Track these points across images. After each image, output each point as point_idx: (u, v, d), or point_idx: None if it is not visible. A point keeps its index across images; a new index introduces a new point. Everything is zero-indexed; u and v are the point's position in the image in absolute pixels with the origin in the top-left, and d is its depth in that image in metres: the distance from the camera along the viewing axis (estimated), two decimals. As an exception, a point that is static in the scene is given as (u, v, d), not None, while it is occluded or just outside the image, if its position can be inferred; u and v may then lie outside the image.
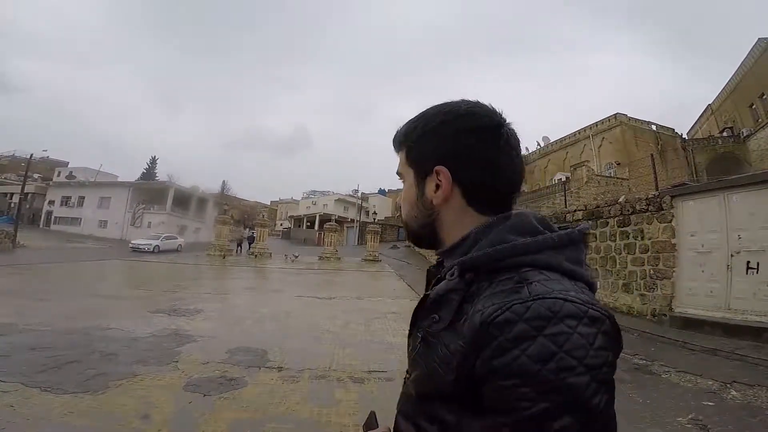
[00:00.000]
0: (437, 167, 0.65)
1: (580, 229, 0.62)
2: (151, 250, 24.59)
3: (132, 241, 25.89)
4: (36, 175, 45.58)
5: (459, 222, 0.66)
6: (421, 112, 0.70)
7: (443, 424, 0.57)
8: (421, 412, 0.62)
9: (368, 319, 7.31)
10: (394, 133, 0.74)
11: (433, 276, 0.72)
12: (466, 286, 0.58)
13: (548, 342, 0.47)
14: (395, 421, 0.70)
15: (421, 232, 0.70)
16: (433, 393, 0.58)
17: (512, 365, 0.47)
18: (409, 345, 0.71)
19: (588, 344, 0.48)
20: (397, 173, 0.73)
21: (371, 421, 0.82)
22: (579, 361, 0.47)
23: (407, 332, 0.72)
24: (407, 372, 0.71)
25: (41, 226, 38.97)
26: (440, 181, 0.65)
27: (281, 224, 66.52)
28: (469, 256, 0.59)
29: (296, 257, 23.77)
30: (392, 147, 0.75)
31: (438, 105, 0.69)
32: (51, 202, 40.48)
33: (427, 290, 0.70)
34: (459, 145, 0.64)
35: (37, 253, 19.09)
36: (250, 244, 28.11)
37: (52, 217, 39.62)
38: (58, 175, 45.43)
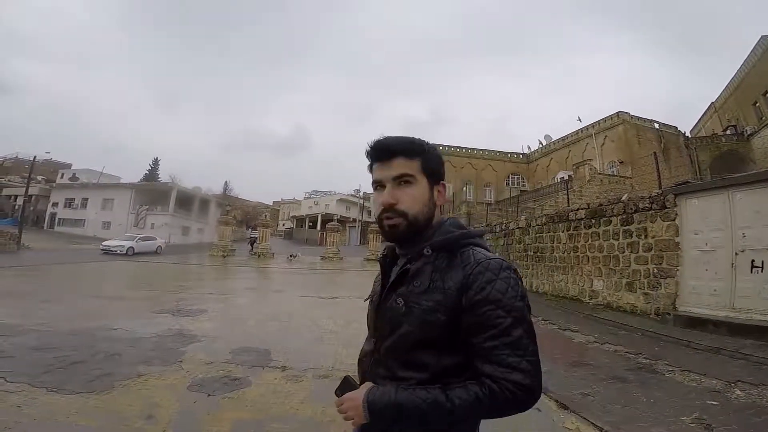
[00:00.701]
0: (442, 181, 1.02)
1: (483, 229, 1.12)
2: (124, 252, 22.09)
3: (102, 243, 23.29)
4: (39, 177, 45.77)
5: (433, 219, 0.98)
6: (407, 135, 1.00)
7: (425, 366, 0.87)
8: (399, 366, 0.90)
9: (371, 319, 7.30)
10: (397, 139, 0.98)
11: (387, 263, 1.06)
12: (433, 259, 0.92)
13: (502, 282, 0.85)
14: (368, 387, 0.91)
15: (422, 225, 0.96)
16: (418, 342, 0.88)
17: (488, 297, 0.83)
18: (376, 315, 1.01)
19: (518, 282, 0.87)
20: (405, 174, 0.95)
21: (347, 385, 0.95)
22: (518, 292, 0.85)
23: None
24: (374, 341, 1.01)
25: (45, 227, 39.15)
26: (441, 191, 1.01)
27: (283, 224, 66.63)
28: (439, 240, 0.94)
29: (294, 256, 23.82)
30: (397, 148, 0.97)
31: (417, 138, 1.01)
32: (54, 204, 40.67)
33: (384, 275, 1.06)
34: (443, 169, 1.03)
35: (42, 254, 19.19)
36: (252, 244, 28.14)
37: (56, 219, 39.80)
38: (62, 177, 45.66)
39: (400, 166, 0.95)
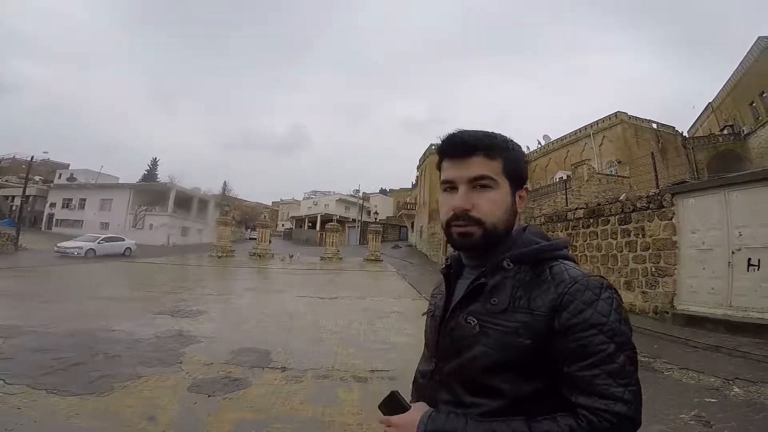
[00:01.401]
0: (525, 186, 0.88)
1: (566, 238, 0.92)
2: (83, 254, 19.53)
3: (57, 245, 20.48)
4: (37, 178, 45.61)
5: (513, 229, 0.85)
6: (490, 131, 0.86)
7: (499, 392, 0.74)
8: (467, 391, 0.78)
9: (371, 319, 7.33)
10: (476, 134, 0.84)
11: (451, 275, 0.92)
12: (513, 274, 0.79)
13: (605, 303, 0.72)
14: (423, 411, 0.79)
15: (502, 234, 0.83)
16: (492, 366, 0.75)
17: (589, 320, 0.70)
18: (439, 333, 0.88)
19: (621, 304, 0.75)
20: (484, 176, 0.81)
21: (394, 402, 0.82)
22: (621, 314, 0.73)
23: (439, 325, 0.88)
24: (435, 361, 0.87)
25: (43, 228, 39.02)
26: (523, 196, 0.87)
27: (283, 225, 66.62)
28: (522, 251, 0.81)
29: (291, 257, 23.86)
30: (476, 144, 0.82)
31: (498, 132, 0.86)
32: (52, 205, 40.53)
33: (447, 287, 0.91)
34: (526, 171, 0.89)
35: (40, 255, 19.13)
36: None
37: (54, 220, 39.67)
38: (59, 178, 45.43)
39: (479, 165, 0.82)
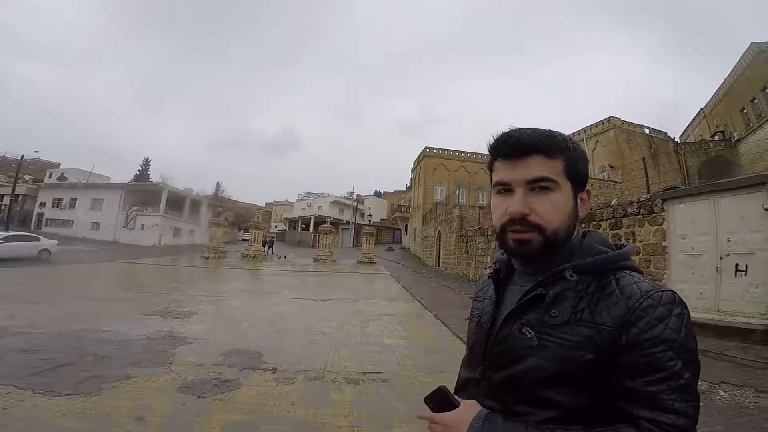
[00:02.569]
0: (587, 189, 0.83)
1: (631, 246, 0.83)
2: None
3: None
4: (27, 177, 45.11)
5: (573, 234, 0.80)
6: (547, 129, 0.81)
7: (555, 404, 0.71)
8: (518, 401, 0.74)
9: (363, 321, 7.33)
10: (533, 132, 0.79)
11: (500, 281, 0.88)
12: (575, 284, 0.74)
13: (677, 319, 0.68)
14: (475, 411, 0.75)
15: (563, 241, 0.78)
16: (549, 379, 0.71)
17: (660, 336, 0.67)
18: (494, 344, 0.82)
19: (690, 320, 0.70)
20: (544, 178, 0.76)
21: (441, 397, 0.77)
22: (690, 330, 0.69)
23: (490, 331, 0.84)
24: (481, 369, 0.83)
25: (32, 228, 38.50)
26: (585, 199, 0.82)
27: (276, 226, 66.35)
28: (587, 261, 0.76)
29: (286, 257, 23.93)
30: (535, 143, 0.77)
31: (557, 131, 0.81)
32: (42, 204, 40.05)
33: (497, 293, 0.88)
34: (588, 172, 0.84)
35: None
36: (271, 246, 28.59)
37: (44, 219, 39.18)
38: (50, 177, 44.94)
39: (538, 166, 0.76)
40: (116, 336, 5.37)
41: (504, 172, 0.79)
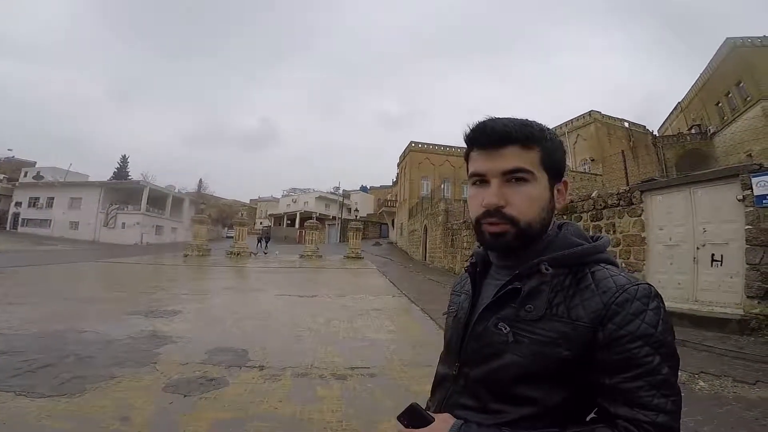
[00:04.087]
0: (564, 179, 0.81)
1: (608, 238, 0.82)
2: None
3: None
4: (1, 176, 43.70)
5: (549, 226, 0.79)
6: (524, 119, 0.78)
7: (530, 400, 0.70)
8: (494, 398, 0.73)
9: (351, 317, 7.34)
10: (509, 121, 0.76)
11: (477, 275, 0.87)
12: (550, 278, 0.73)
13: (653, 313, 0.67)
14: (449, 423, 0.72)
15: (538, 233, 0.77)
16: (525, 376, 0.70)
17: (637, 332, 0.65)
18: (470, 339, 0.80)
19: (666, 313, 0.69)
20: (520, 169, 0.74)
21: (414, 414, 0.74)
22: (667, 324, 0.68)
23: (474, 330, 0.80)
24: (457, 365, 0.81)
25: (8, 228, 37.43)
26: (561, 191, 0.81)
27: (261, 223, 65.69)
28: (562, 255, 0.74)
29: (266, 253, 24.01)
30: (511, 132, 0.75)
31: (533, 120, 0.79)
32: (18, 204, 38.91)
33: (474, 287, 0.86)
34: (565, 162, 0.81)
35: (5, 256, 18.34)
36: (267, 242, 28.31)
37: (20, 219, 38.10)
38: (25, 176, 43.62)
39: (513, 157, 0.74)
40: (98, 336, 5.27)
41: (479, 162, 0.77)
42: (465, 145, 0.81)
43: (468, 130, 0.79)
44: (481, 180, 0.77)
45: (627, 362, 0.65)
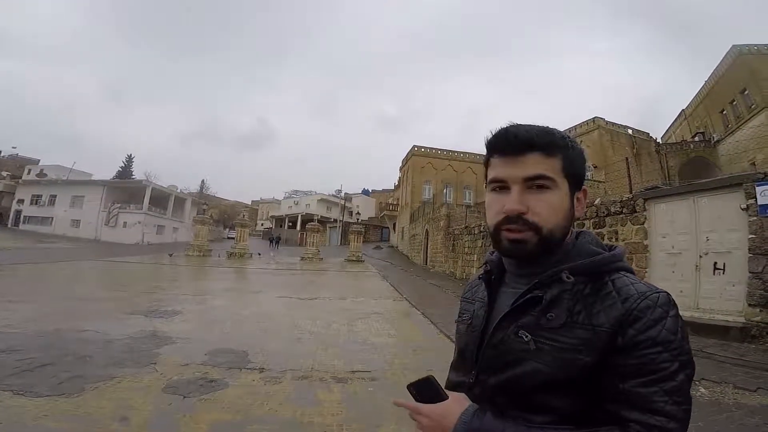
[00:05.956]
0: (584, 188, 0.81)
1: (623, 247, 0.86)
2: None
3: None
4: (4, 173, 43.86)
5: (568, 235, 0.79)
6: (546, 126, 0.78)
7: (552, 409, 0.70)
8: (513, 405, 0.73)
9: (351, 320, 7.32)
10: (531, 128, 0.76)
11: (492, 282, 0.86)
12: (571, 286, 0.73)
13: (673, 321, 0.68)
14: (463, 405, 0.73)
15: (559, 241, 0.76)
16: (546, 384, 0.70)
17: (657, 337, 0.66)
18: (488, 347, 0.79)
19: (684, 322, 0.70)
20: (542, 176, 0.74)
21: (429, 388, 0.73)
22: (685, 332, 0.69)
23: (491, 336, 0.79)
24: (474, 373, 0.80)
25: (10, 225, 37.52)
26: (581, 199, 0.80)
27: (262, 224, 65.79)
28: (583, 263, 0.75)
29: (260, 255, 24.70)
30: (533, 140, 0.75)
31: (555, 128, 0.79)
32: (20, 201, 38.98)
33: (490, 295, 0.85)
34: (585, 171, 0.81)
35: (6, 253, 18.38)
36: (278, 243, 28.51)
37: (22, 217, 38.17)
38: (28, 173, 43.78)
39: (535, 164, 0.74)
40: (98, 336, 5.26)
41: (500, 169, 0.76)
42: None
43: (490, 136, 0.79)
44: (501, 186, 0.77)
45: (644, 367, 0.65)
